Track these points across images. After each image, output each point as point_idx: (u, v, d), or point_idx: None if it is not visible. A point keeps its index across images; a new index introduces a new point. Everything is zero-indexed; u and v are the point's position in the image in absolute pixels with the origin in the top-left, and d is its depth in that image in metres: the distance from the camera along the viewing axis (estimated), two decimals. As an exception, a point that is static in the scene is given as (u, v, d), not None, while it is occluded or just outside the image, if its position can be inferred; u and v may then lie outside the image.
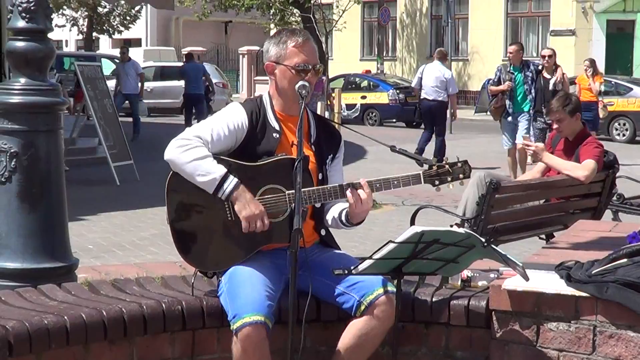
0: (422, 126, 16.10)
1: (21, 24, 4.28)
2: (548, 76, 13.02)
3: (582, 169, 6.14)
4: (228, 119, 3.64)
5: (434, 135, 14.75)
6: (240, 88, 38.25)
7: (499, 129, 13.01)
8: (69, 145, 12.60)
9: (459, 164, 3.66)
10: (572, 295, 3.47)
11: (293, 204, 3.44)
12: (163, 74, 28.33)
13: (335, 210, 3.75)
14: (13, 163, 4.23)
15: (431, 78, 14.60)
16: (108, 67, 24.77)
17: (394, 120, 25.60)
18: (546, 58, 13.19)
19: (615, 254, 3.59)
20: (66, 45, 47.24)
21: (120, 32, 41.44)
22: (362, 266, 3.37)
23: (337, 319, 3.65)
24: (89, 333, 3.41)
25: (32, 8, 4.26)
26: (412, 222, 5.53)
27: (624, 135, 20.55)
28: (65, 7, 39.36)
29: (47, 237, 4.29)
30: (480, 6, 32.26)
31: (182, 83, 20.55)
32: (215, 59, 39.98)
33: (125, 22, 41.23)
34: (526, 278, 3.46)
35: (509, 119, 12.39)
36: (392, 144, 3.91)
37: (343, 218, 3.70)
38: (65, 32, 42.50)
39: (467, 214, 5.98)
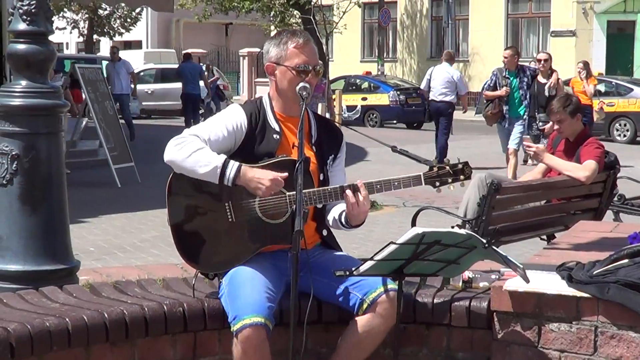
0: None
1: (22, 26, 4.28)
2: (543, 80, 12.95)
3: (583, 169, 6.14)
4: (227, 120, 3.63)
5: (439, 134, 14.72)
6: (241, 90, 38.25)
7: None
8: (70, 148, 12.62)
9: (460, 165, 3.66)
10: (573, 296, 3.47)
11: (294, 206, 3.43)
12: (163, 76, 28.39)
13: (336, 211, 3.74)
14: (14, 165, 4.22)
15: (440, 80, 14.62)
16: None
17: (395, 121, 25.59)
18: (542, 62, 13.13)
19: (617, 255, 3.59)
20: (67, 48, 47.22)
21: (120, 34, 41.41)
22: (364, 267, 3.37)
23: (339, 321, 3.65)
24: (91, 335, 3.42)
25: (33, 11, 4.26)
26: (413, 224, 5.51)
27: (624, 135, 20.55)
28: (65, 9, 39.27)
29: (48, 239, 4.28)
30: (480, 7, 32.26)
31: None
32: (216, 61, 39.95)
33: (125, 24, 41.18)
34: (527, 280, 3.46)
35: (505, 124, 12.31)
36: (393, 144, 3.91)
37: (342, 220, 3.69)
38: (66, 35, 42.47)
39: (468, 215, 5.97)
